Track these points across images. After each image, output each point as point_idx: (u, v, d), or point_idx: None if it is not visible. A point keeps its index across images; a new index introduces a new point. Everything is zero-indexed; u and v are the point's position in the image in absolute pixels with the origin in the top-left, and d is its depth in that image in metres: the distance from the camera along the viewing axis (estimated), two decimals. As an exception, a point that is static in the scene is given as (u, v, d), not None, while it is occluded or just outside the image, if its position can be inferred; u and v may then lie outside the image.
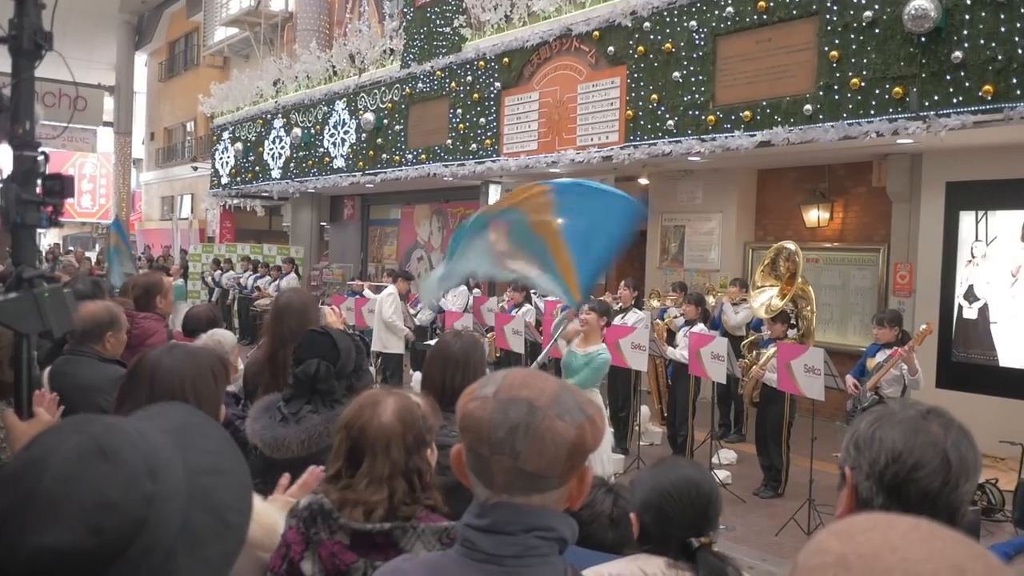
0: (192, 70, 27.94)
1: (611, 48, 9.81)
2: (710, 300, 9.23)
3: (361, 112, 14.16)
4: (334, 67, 15.33)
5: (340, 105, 14.87)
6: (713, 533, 2.14)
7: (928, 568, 0.66)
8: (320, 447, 2.48)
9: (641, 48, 9.44)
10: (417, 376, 9.38)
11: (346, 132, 14.70)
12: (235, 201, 19.39)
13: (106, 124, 28.03)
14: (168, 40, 30.06)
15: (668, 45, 9.15)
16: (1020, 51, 6.51)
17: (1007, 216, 8.60)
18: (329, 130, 15.16)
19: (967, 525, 4.91)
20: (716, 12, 8.71)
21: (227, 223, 21.79)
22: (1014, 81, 6.54)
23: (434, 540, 1.85)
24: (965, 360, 8.78)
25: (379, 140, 13.83)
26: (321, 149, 15.37)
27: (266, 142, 17.12)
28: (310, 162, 15.72)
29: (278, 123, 16.71)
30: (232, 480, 1.02)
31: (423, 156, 12.86)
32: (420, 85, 12.97)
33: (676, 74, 9.08)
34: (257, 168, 17.49)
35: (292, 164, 16.31)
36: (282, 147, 16.60)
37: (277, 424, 2.61)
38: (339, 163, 14.88)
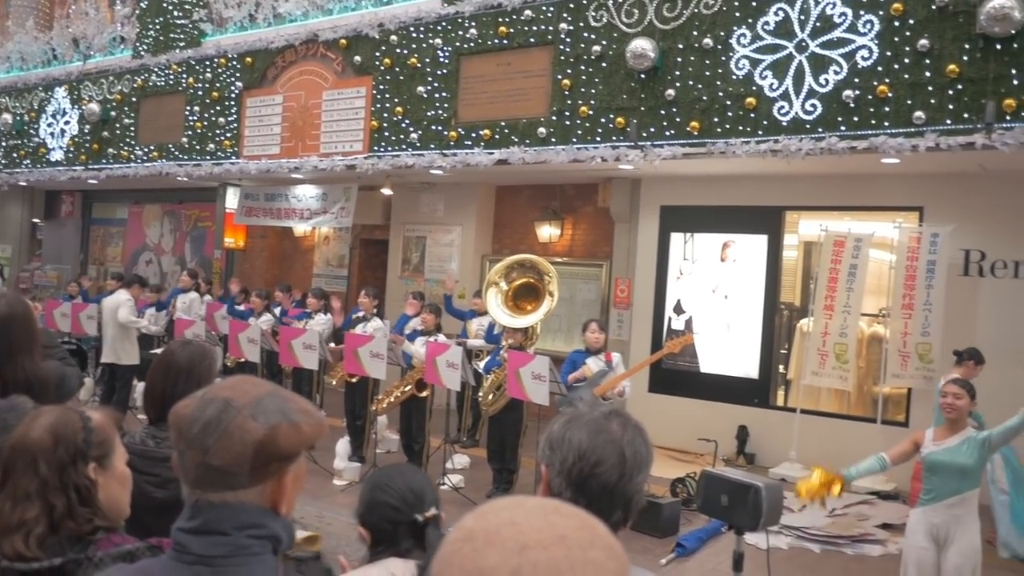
0: None
1: (358, 58, 9.85)
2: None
3: (85, 102, 13.10)
4: (54, 50, 14.05)
5: (60, 92, 13.65)
6: (436, 508, 2.28)
7: (536, 536, 0.79)
8: None
9: (387, 60, 9.57)
10: (142, 387, 8.81)
11: (67, 122, 13.52)
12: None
13: None
14: None
15: (414, 60, 9.36)
16: (720, 94, 7.37)
17: (708, 238, 9.66)
18: (46, 118, 13.86)
19: (668, 514, 5.43)
20: (460, 32, 9.04)
21: (-84, 215, 19.16)
22: (715, 120, 7.39)
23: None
24: (673, 367, 9.72)
25: (105, 133, 12.87)
26: (36, 139, 14.01)
27: (-32, 126, 15.31)
28: (22, 152, 14.28)
29: (-16, 106, 15.02)
30: None
31: (155, 153, 12.13)
32: (154, 78, 12.24)
33: (421, 89, 9.30)
34: (-44, 155, 15.60)
35: (0, 153, 14.72)
36: (-12, 133, 14.93)
37: None
38: (57, 155, 13.65)
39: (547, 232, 11.09)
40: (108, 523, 1.79)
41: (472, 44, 8.99)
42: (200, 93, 11.60)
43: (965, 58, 6.28)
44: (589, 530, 0.83)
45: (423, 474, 2.44)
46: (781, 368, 9.54)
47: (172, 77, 11.99)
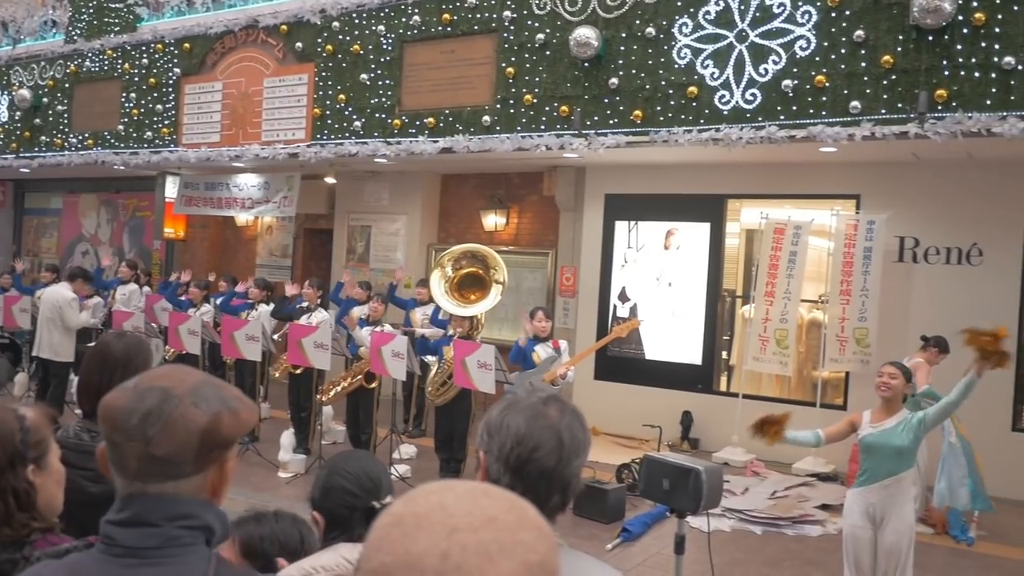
0: None
1: (299, 44, 9.71)
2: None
3: (15, 87, 12.70)
4: (-19, 34, 13.59)
5: (-11, 78, 13.23)
6: (391, 497, 2.27)
7: (465, 519, 0.79)
8: None
9: (330, 47, 9.45)
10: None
11: (-4, 109, 13.10)
12: None
13: None
14: None
15: (356, 47, 9.25)
16: (663, 83, 7.44)
17: (652, 226, 9.74)
18: (-26, 105, 13.41)
19: (613, 500, 5.48)
20: (403, 19, 8.96)
21: None
22: (658, 108, 7.46)
23: None
24: (619, 354, 9.80)
25: (37, 120, 12.50)
26: (-36, 126, 13.55)
27: None
28: (-51, 140, 13.80)
29: (-93, 92, 14.46)
30: None
31: (90, 141, 11.82)
32: (88, 63, 11.91)
33: (364, 76, 9.21)
34: None
35: (-75, 140, 14.20)
36: (-88, 120, 14.38)
37: None
38: (-13, 143, 13.22)
39: (493, 221, 11.08)
40: (44, 524, 1.75)
41: (415, 31, 8.92)
42: (137, 79, 11.32)
43: (899, 49, 6.43)
44: (518, 512, 0.83)
45: (379, 462, 2.45)
46: (724, 354, 9.69)
47: (107, 63, 11.68)
